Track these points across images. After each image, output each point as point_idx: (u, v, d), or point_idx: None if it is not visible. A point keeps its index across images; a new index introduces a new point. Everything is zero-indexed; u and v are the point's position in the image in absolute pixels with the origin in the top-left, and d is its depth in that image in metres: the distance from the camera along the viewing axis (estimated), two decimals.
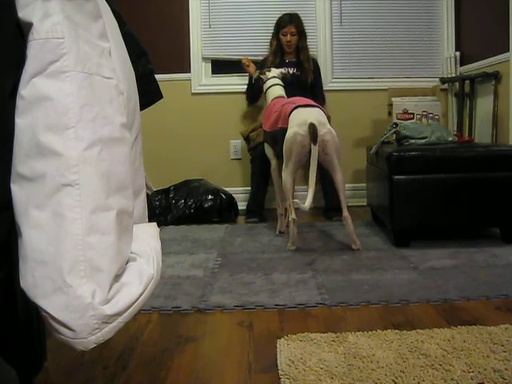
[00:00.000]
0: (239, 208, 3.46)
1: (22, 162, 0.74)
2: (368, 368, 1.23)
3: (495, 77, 3.20)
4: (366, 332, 1.45)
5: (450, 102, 3.79)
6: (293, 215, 2.46)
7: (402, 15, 3.82)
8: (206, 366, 1.33)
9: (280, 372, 1.23)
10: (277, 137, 2.64)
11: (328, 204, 3.30)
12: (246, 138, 3.44)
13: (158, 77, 1.31)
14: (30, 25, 0.75)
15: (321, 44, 3.79)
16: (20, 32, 0.76)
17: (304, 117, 2.41)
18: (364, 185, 3.37)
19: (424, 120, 3.17)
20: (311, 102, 2.61)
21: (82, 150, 0.75)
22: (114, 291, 0.77)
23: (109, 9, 0.97)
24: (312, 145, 2.33)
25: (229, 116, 3.78)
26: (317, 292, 1.84)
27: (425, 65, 3.86)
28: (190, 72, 3.80)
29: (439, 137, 2.72)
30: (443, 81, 3.75)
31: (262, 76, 3.13)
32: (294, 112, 2.48)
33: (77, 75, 0.77)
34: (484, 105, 3.38)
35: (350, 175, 3.75)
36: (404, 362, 1.25)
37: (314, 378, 1.18)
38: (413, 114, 3.19)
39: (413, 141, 2.71)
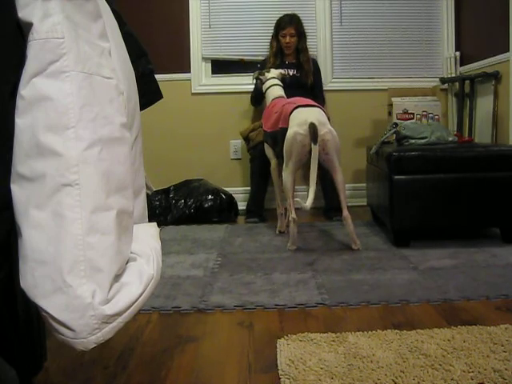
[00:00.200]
0: (239, 208, 3.46)
1: (22, 162, 0.74)
2: (368, 368, 1.23)
3: (495, 77, 3.20)
4: (365, 332, 1.45)
5: (450, 102, 3.79)
6: (293, 214, 2.46)
7: (402, 15, 3.82)
8: (205, 365, 1.33)
9: (280, 372, 1.23)
10: (277, 137, 2.64)
11: (328, 204, 3.30)
12: (246, 138, 3.44)
13: (157, 77, 1.31)
14: (29, 25, 0.75)
15: (321, 44, 3.79)
16: (20, 32, 0.76)
17: (304, 116, 2.41)
18: (364, 185, 3.38)
19: (424, 120, 3.17)
20: (312, 102, 2.61)
21: (82, 149, 0.75)
22: (114, 291, 0.77)
23: (109, 9, 0.97)
24: (312, 144, 2.33)
25: (229, 116, 3.78)
26: (317, 292, 1.84)
27: (425, 65, 3.86)
28: (190, 72, 3.80)
29: (439, 137, 2.72)
30: (443, 81, 3.75)
31: (261, 77, 3.13)
32: (294, 112, 2.48)
33: (77, 75, 0.77)
34: (484, 105, 3.38)
35: (350, 175, 3.75)
36: (404, 362, 1.25)
37: (314, 378, 1.18)
38: (413, 113, 3.19)
39: (413, 141, 2.71)
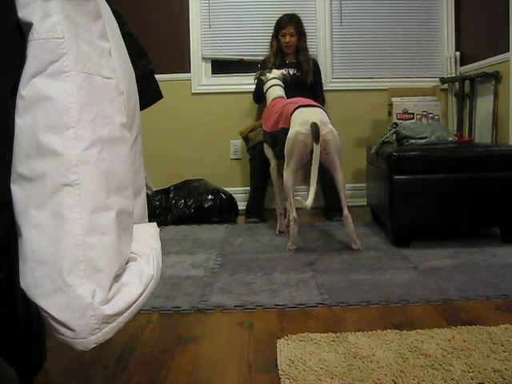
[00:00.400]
0: (239, 208, 3.46)
1: (22, 162, 0.74)
2: (368, 368, 1.23)
3: (495, 77, 3.20)
4: (365, 332, 1.45)
5: (450, 102, 3.79)
6: (293, 214, 2.46)
7: (402, 15, 3.82)
8: (205, 365, 1.33)
9: (280, 372, 1.23)
10: (277, 137, 2.64)
11: (328, 204, 3.31)
12: (245, 138, 3.44)
13: (158, 77, 1.31)
14: (29, 25, 0.75)
15: (321, 44, 3.79)
16: (20, 32, 0.76)
17: (306, 116, 2.42)
18: (364, 185, 3.38)
19: (424, 120, 3.17)
20: (313, 102, 2.62)
21: (82, 149, 0.75)
22: (114, 291, 0.77)
23: (109, 9, 0.97)
24: (314, 144, 2.33)
25: (229, 116, 3.78)
26: (317, 292, 1.84)
27: (425, 65, 3.86)
28: (190, 72, 3.80)
29: (439, 137, 2.72)
30: (443, 81, 3.75)
31: (262, 77, 3.14)
32: (296, 112, 2.49)
33: (77, 75, 0.77)
34: (484, 105, 3.38)
35: (350, 175, 3.75)
36: (404, 361, 1.25)
37: (314, 378, 1.18)
38: (413, 114, 3.19)
39: (413, 141, 2.72)
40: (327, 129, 2.40)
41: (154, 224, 1.01)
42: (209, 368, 1.31)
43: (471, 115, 3.46)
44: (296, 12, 3.54)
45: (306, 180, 3.54)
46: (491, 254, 2.28)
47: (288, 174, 2.49)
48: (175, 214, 3.29)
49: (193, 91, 3.81)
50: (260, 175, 3.33)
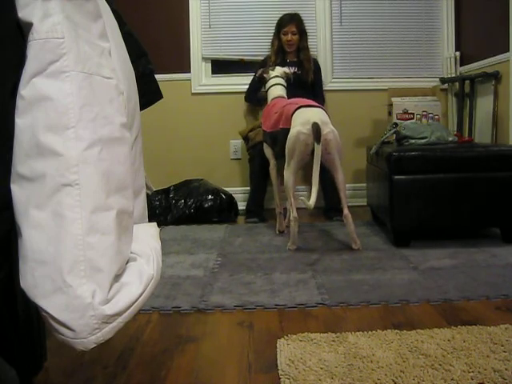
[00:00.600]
0: (239, 208, 3.46)
1: (22, 162, 0.74)
2: (368, 368, 1.23)
3: (495, 77, 3.20)
4: (366, 332, 1.45)
5: (450, 102, 3.79)
6: (294, 214, 2.46)
7: (402, 15, 3.82)
8: (205, 365, 1.33)
9: (280, 372, 1.23)
10: (277, 137, 2.64)
11: (328, 204, 3.31)
12: (245, 138, 3.45)
13: (158, 77, 1.31)
14: (29, 25, 0.75)
15: (321, 44, 3.79)
16: (20, 32, 0.76)
17: (307, 116, 2.42)
18: (364, 185, 3.38)
19: (424, 120, 3.17)
20: (313, 102, 2.62)
21: (82, 149, 0.75)
22: (114, 291, 0.77)
23: (109, 9, 0.97)
24: (315, 144, 2.33)
25: (229, 116, 3.78)
26: (317, 292, 1.84)
27: (425, 65, 3.86)
28: (190, 72, 3.80)
29: (439, 137, 2.72)
30: (443, 81, 3.75)
31: (264, 75, 3.13)
32: (297, 112, 2.49)
33: (77, 75, 0.77)
34: (484, 105, 3.38)
35: (350, 175, 3.75)
36: (404, 361, 1.25)
37: (314, 378, 1.18)
38: (413, 113, 3.19)
39: (413, 141, 2.72)
40: (328, 129, 2.40)
41: (154, 224, 1.01)
42: (209, 368, 1.31)
43: (471, 115, 3.46)
44: (296, 12, 3.53)
45: (306, 180, 3.56)
46: (491, 253, 2.28)
47: (289, 174, 2.49)
48: (175, 213, 3.29)
49: (193, 91, 3.81)
50: (260, 175, 3.33)
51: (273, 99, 2.96)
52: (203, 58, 3.82)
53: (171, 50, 3.75)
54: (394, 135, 2.86)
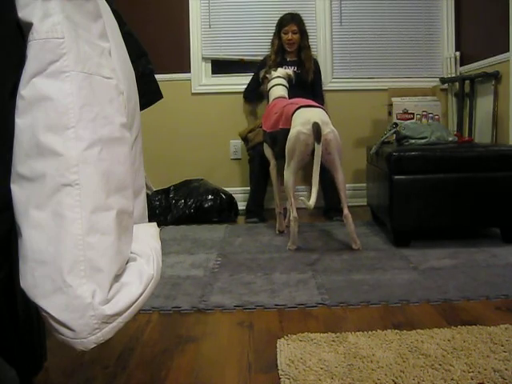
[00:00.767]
0: (239, 208, 3.46)
1: (22, 162, 0.74)
2: (368, 368, 1.23)
3: (495, 77, 3.20)
4: (366, 332, 1.45)
5: (450, 102, 3.79)
6: (294, 214, 2.46)
7: (402, 15, 3.82)
8: (205, 365, 1.33)
9: (280, 372, 1.23)
10: (277, 137, 2.64)
11: (328, 204, 3.31)
12: (245, 139, 3.45)
13: (158, 77, 1.31)
14: (29, 25, 0.75)
15: (321, 44, 3.79)
16: (20, 32, 0.76)
17: (308, 116, 2.42)
18: (364, 185, 3.38)
19: (424, 120, 3.17)
20: (313, 102, 2.62)
21: (82, 149, 0.75)
22: (114, 291, 0.77)
23: (109, 9, 0.97)
24: (316, 144, 2.33)
25: (229, 116, 3.78)
26: (317, 292, 1.84)
27: (425, 65, 3.86)
28: (190, 72, 3.80)
29: (439, 137, 2.72)
30: (443, 81, 3.75)
31: (267, 75, 3.13)
32: (297, 112, 2.49)
33: (77, 75, 0.77)
34: (484, 105, 3.38)
35: (350, 175, 3.75)
36: (404, 361, 1.25)
37: (314, 378, 1.18)
38: (413, 113, 3.19)
39: (413, 141, 2.72)
40: (328, 129, 2.40)
41: (154, 224, 1.01)
42: (209, 368, 1.31)
43: (471, 115, 3.46)
44: (296, 12, 3.53)
45: (306, 180, 3.56)
46: (491, 253, 2.28)
47: (289, 174, 2.49)
48: (175, 213, 3.29)
49: (193, 91, 3.81)
50: (260, 175, 3.33)
51: (273, 99, 2.97)
52: (203, 58, 3.82)
53: (171, 50, 3.75)
54: (394, 135, 2.86)
